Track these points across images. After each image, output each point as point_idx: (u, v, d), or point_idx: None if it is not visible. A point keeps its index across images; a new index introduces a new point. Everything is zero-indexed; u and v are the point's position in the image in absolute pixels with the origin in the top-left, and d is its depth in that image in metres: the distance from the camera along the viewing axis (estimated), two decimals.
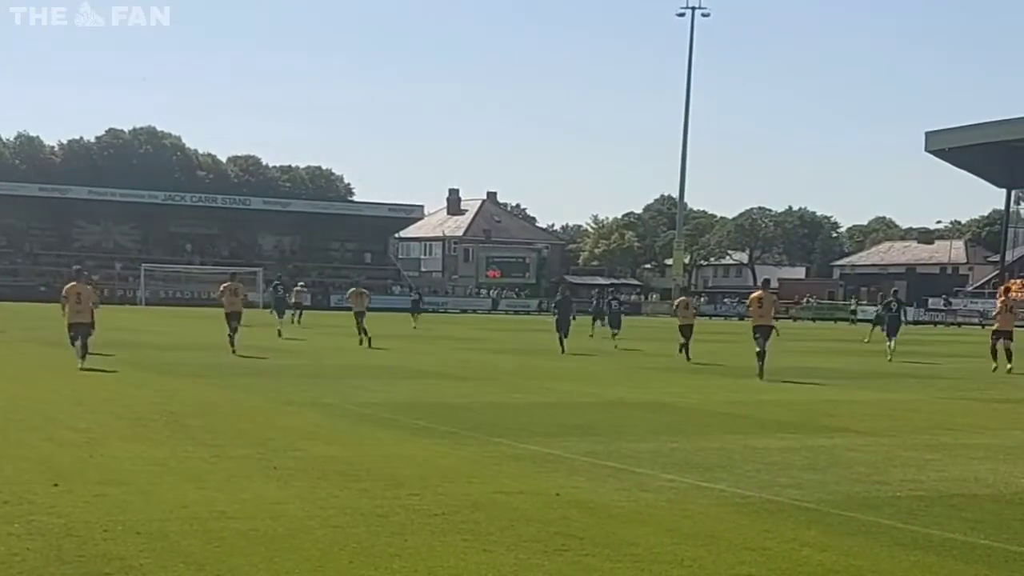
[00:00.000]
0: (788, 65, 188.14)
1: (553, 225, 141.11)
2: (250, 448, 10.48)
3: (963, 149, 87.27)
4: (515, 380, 20.11)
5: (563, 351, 29.25)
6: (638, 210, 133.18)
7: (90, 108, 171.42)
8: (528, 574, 6.22)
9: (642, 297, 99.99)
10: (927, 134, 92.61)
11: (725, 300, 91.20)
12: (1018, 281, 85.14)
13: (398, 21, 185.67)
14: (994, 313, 26.99)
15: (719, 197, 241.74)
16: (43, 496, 7.87)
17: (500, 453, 10.66)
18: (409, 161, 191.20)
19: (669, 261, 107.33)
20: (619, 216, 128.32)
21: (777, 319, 23.83)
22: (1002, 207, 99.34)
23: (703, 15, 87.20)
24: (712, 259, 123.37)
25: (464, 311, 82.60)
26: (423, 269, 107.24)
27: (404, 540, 6.86)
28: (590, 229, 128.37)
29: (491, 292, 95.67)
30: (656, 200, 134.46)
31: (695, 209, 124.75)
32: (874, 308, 46.68)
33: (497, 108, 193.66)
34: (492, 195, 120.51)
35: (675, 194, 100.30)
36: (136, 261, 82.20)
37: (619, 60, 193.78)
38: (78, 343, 19.82)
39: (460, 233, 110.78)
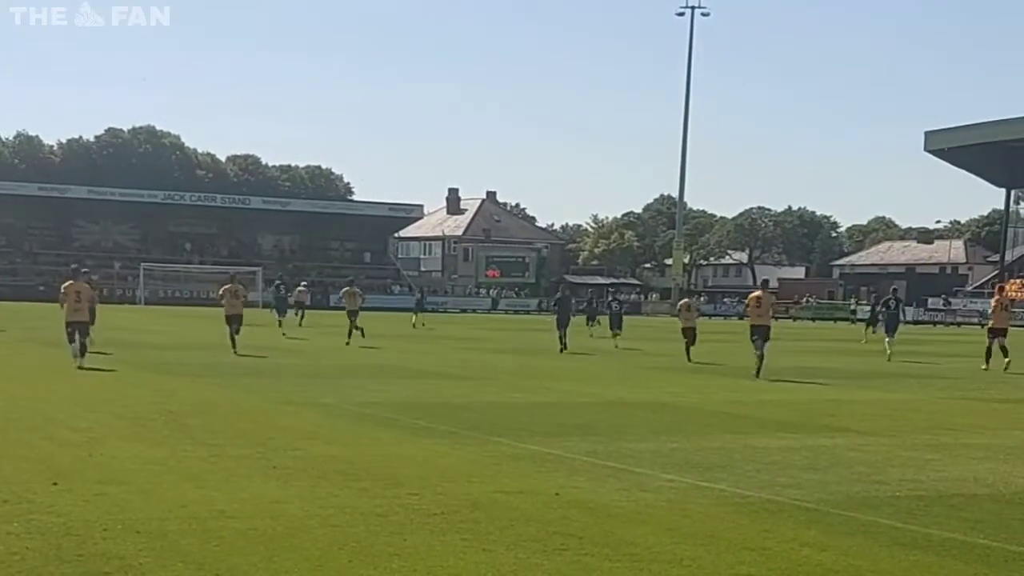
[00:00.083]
0: (788, 65, 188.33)
1: (553, 225, 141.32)
2: (249, 447, 10.48)
3: (962, 149, 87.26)
4: (515, 380, 20.11)
5: (562, 349, 29.46)
6: (638, 210, 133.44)
7: (89, 108, 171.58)
8: (527, 573, 6.21)
9: (642, 297, 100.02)
10: (926, 134, 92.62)
11: (725, 300, 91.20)
12: (1017, 281, 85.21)
13: (398, 21, 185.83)
14: (990, 311, 27.06)
15: (719, 197, 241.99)
16: (42, 495, 7.87)
17: (500, 453, 10.66)
18: (409, 161, 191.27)
19: (669, 261, 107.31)
20: (619, 216, 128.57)
21: (777, 319, 23.86)
22: (1002, 207, 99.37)
23: (703, 15, 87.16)
24: (712, 259, 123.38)
25: (464, 311, 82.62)
26: (423, 269, 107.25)
27: (403, 539, 6.86)
28: (590, 229, 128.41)
29: (491, 292, 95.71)
30: (656, 200, 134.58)
31: (695, 209, 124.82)
32: (868, 307, 46.77)
33: (497, 108, 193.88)
34: (492, 195, 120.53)
35: (675, 194, 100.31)
36: (135, 260, 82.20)
37: (619, 60, 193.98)
38: (75, 341, 19.90)
39: (460, 233, 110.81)
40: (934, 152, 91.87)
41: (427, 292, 59.39)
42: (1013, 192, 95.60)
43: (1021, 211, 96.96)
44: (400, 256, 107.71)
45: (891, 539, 7.28)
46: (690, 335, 27.02)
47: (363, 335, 30.70)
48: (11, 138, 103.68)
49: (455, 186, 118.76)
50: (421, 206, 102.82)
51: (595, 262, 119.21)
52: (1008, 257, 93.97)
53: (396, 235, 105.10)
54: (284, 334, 34.17)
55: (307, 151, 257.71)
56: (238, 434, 11.44)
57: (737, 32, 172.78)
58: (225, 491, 8.23)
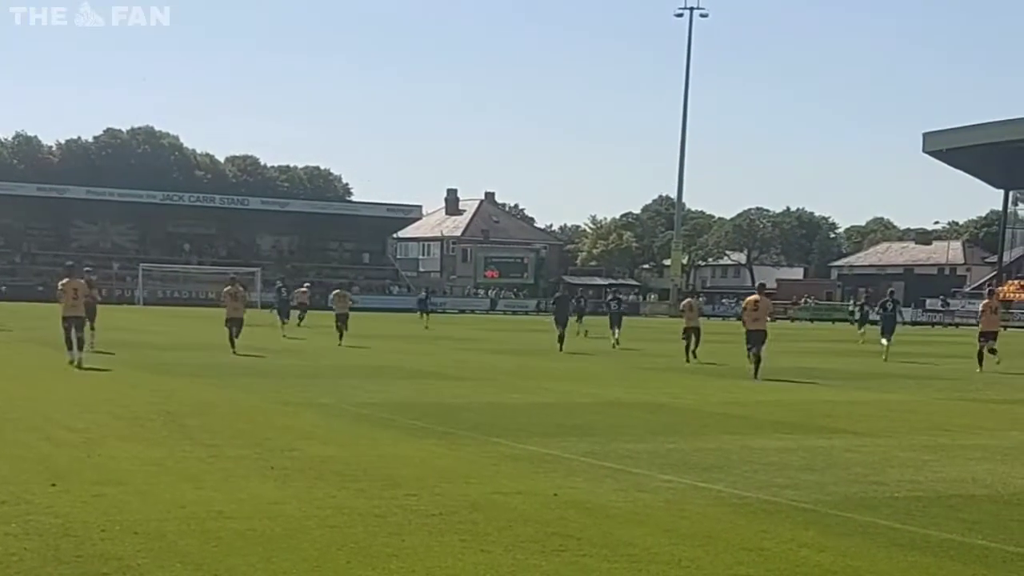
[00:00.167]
0: (786, 65, 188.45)
1: (551, 225, 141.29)
2: (248, 448, 10.47)
3: (961, 150, 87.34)
4: (513, 380, 20.11)
5: (561, 348, 29.58)
6: (636, 210, 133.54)
7: (88, 108, 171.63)
8: (526, 574, 6.21)
9: (640, 297, 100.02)
10: (925, 135, 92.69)
11: (723, 300, 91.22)
12: (1015, 282, 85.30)
13: (397, 21, 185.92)
14: (979, 315, 27.17)
15: (717, 197, 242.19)
16: (40, 496, 7.87)
17: (498, 453, 10.66)
18: (408, 161, 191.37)
19: (667, 261, 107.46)
20: (617, 216, 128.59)
21: (775, 320, 23.88)
22: (1000, 208, 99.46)
23: (701, 15, 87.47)
24: (710, 259, 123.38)
25: (462, 311, 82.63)
26: (421, 269, 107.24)
27: (401, 540, 6.85)
28: (588, 229, 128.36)
29: (489, 292, 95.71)
30: (654, 200, 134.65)
31: (693, 209, 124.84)
32: (857, 307, 46.91)
33: (496, 108, 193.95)
34: (490, 195, 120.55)
35: (673, 194, 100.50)
36: (134, 261, 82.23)
37: (618, 60, 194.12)
38: (72, 337, 20.12)
39: (458, 233, 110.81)
40: (932, 153, 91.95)
41: (427, 292, 59.06)
42: (1011, 193, 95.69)
43: (1019, 212, 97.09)
44: (399, 257, 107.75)
45: (889, 540, 7.28)
46: (693, 334, 27.10)
47: (338, 332, 30.96)
48: (10, 138, 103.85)
49: (454, 187, 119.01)
50: (420, 207, 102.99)
51: (593, 263, 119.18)
52: (1006, 258, 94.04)
53: (395, 236, 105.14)
54: (284, 335, 34.18)
55: (306, 152, 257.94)
56: (236, 434, 11.43)
57: (736, 33, 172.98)
58: (223, 492, 8.23)
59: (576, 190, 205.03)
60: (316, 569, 6.17)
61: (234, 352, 24.45)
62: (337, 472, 9.23)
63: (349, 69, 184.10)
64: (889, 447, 11.96)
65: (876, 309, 33.67)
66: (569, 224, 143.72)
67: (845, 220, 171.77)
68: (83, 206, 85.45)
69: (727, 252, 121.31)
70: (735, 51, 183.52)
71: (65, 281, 20.88)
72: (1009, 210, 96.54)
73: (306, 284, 50.12)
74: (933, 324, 75.53)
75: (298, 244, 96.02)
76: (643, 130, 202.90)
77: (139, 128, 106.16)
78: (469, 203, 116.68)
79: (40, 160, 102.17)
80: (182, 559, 6.26)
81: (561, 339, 30.41)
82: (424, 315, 50.18)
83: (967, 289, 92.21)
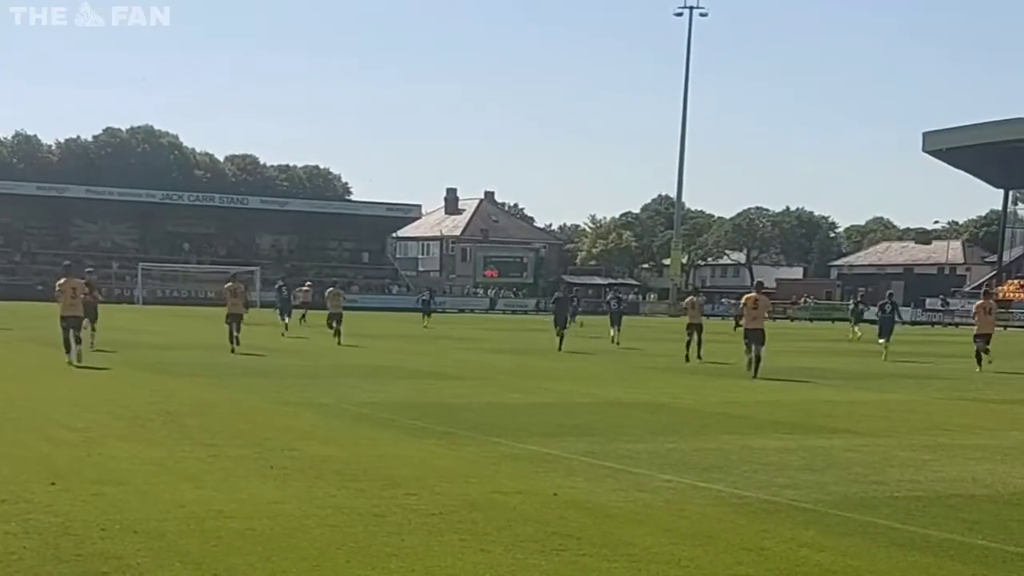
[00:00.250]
0: (786, 65, 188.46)
1: (551, 225, 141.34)
2: (247, 448, 10.47)
3: (961, 149, 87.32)
4: (513, 380, 20.10)
5: (560, 347, 29.63)
6: (636, 210, 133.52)
7: (88, 107, 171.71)
8: (525, 574, 6.21)
9: (640, 297, 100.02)
10: (925, 134, 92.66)
11: (723, 300, 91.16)
12: (1016, 281, 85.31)
13: (397, 21, 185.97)
14: (973, 316, 27.24)
15: (717, 197, 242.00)
16: (40, 495, 7.87)
17: (498, 453, 10.65)
18: (407, 161, 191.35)
19: (667, 261, 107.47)
20: (617, 216, 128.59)
21: (775, 319, 23.93)
22: (999, 207, 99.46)
23: (701, 15, 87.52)
24: (710, 259, 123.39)
25: (462, 311, 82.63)
26: (420, 269, 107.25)
27: (401, 540, 6.85)
28: (588, 229, 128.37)
29: (489, 292, 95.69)
30: (654, 200, 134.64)
31: (693, 209, 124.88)
32: (852, 304, 46.96)
33: (495, 108, 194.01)
34: (490, 195, 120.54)
35: (673, 194, 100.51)
36: (133, 260, 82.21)
37: (617, 60, 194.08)
38: (70, 337, 20.17)
39: (458, 233, 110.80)
40: (932, 153, 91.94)
41: (431, 292, 58.76)
42: (1011, 193, 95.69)
43: (1019, 212, 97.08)
44: (398, 256, 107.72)
45: (889, 540, 7.28)
46: (696, 331, 27.21)
47: (332, 331, 31.16)
48: (10, 137, 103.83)
49: (453, 186, 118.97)
50: (419, 206, 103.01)
51: (593, 262, 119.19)
52: (1006, 258, 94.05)
53: (394, 235, 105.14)
54: (283, 334, 34.22)
55: (305, 151, 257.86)
56: (236, 434, 11.43)
57: (735, 32, 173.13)
58: (223, 491, 8.23)
59: (576, 190, 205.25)
60: (316, 568, 6.17)
61: (233, 351, 24.60)
62: (337, 472, 9.23)
63: (349, 69, 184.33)
64: (889, 447, 11.96)
65: (876, 312, 33.59)
66: (568, 224, 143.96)
67: (845, 220, 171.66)
68: (83, 205, 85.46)
69: (727, 252, 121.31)
70: (735, 51, 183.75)
71: (63, 281, 20.91)
72: (1009, 210, 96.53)
73: (308, 283, 50.12)
74: (933, 324, 75.52)
75: (297, 243, 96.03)
76: (643, 130, 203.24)
77: (139, 127, 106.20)
78: (468, 202, 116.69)
79: (40, 159, 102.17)
80: (182, 558, 6.26)
81: (560, 339, 30.47)
82: (426, 315, 50.18)
83: (967, 289, 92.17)
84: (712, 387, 19.62)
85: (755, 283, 27.03)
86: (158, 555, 6.32)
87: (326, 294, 34.53)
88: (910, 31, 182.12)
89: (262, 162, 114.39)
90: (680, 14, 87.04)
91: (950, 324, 74.58)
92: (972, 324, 28.97)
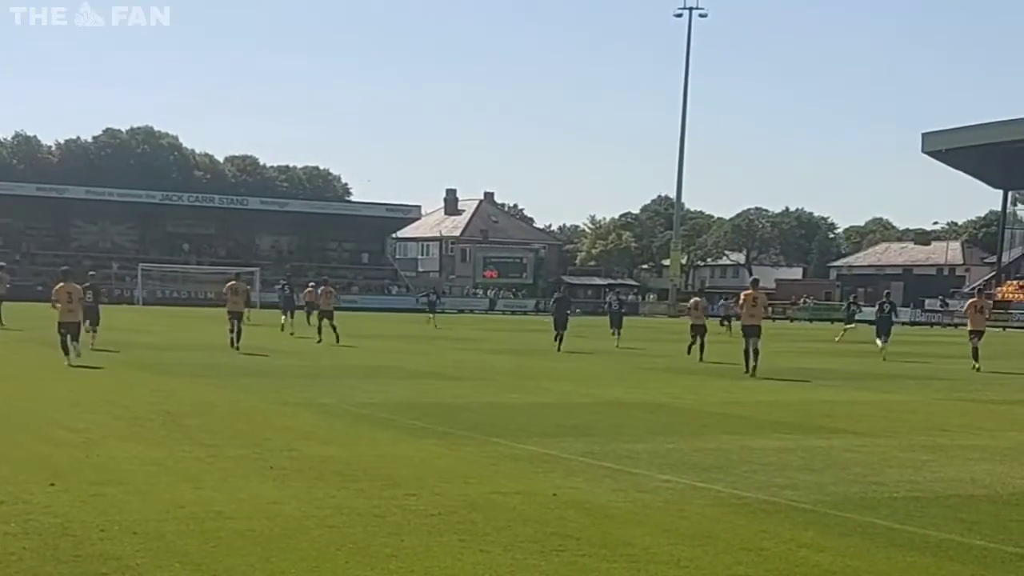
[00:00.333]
0: (785, 65, 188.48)
1: (550, 225, 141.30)
2: (247, 448, 10.48)
3: (960, 150, 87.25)
4: (512, 380, 20.11)
5: (559, 347, 29.67)
6: (635, 210, 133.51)
7: (88, 108, 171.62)
8: (525, 574, 6.22)
9: (639, 297, 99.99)
10: (924, 135, 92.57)
11: (723, 300, 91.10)
12: (1015, 282, 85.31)
13: (397, 21, 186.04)
14: (964, 312, 27.59)
15: (716, 198, 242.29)
16: (40, 496, 7.87)
17: (497, 453, 10.66)
18: (407, 161, 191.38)
19: (666, 262, 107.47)
20: (616, 216, 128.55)
21: (774, 320, 24.02)
22: (999, 208, 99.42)
23: (701, 15, 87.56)
24: (709, 260, 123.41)
25: (461, 311, 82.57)
26: (420, 269, 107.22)
27: (400, 540, 6.86)
28: (587, 229, 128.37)
29: (488, 292, 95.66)
30: (653, 200, 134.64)
31: (692, 210, 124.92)
32: (846, 304, 47.04)
33: (495, 108, 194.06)
34: (489, 195, 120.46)
35: (672, 194, 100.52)
36: (133, 261, 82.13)
37: (617, 60, 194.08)
38: (68, 343, 20.17)
39: (457, 233, 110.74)
40: (932, 153, 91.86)
41: (435, 292, 58.38)
42: (1010, 194, 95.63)
43: (1018, 213, 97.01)
44: (398, 257, 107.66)
45: (888, 540, 7.28)
46: (699, 331, 27.32)
47: (317, 328, 31.22)
48: (9, 138, 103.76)
49: (453, 187, 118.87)
50: (419, 207, 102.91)
51: (592, 263, 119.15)
52: (1005, 259, 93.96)
53: (394, 236, 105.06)
54: (292, 333, 34.54)
55: (305, 152, 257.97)
56: (236, 434, 11.44)
57: (735, 33, 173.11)
58: (222, 492, 8.23)
59: (575, 190, 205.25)
60: (315, 569, 6.17)
61: (235, 349, 24.94)
62: (336, 472, 9.23)
63: (349, 69, 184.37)
64: (888, 447, 11.96)
65: (875, 311, 33.60)
66: (568, 224, 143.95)
67: (844, 220, 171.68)
68: (82, 206, 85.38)
69: (726, 252, 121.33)
70: (735, 51, 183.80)
71: (60, 286, 20.81)
72: (1008, 210, 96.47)
73: (311, 284, 50.35)
74: (932, 324, 75.51)
75: (297, 244, 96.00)
76: (643, 130, 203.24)
77: (138, 128, 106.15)
78: (468, 203, 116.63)
79: (40, 160, 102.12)
80: (181, 559, 6.26)
81: (560, 339, 30.49)
82: (432, 316, 50.21)
83: (966, 289, 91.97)
84: (712, 387, 19.63)
85: (752, 280, 27.14)
86: (157, 556, 6.32)
87: (319, 292, 34.64)
88: (910, 31, 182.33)
89: (262, 163, 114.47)
90: (680, 15, 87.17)
91: (949, 325, 74.50)
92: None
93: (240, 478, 8.85)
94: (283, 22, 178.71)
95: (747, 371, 21.80)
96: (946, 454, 11.55)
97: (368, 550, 6.59)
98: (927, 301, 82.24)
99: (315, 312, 42.58)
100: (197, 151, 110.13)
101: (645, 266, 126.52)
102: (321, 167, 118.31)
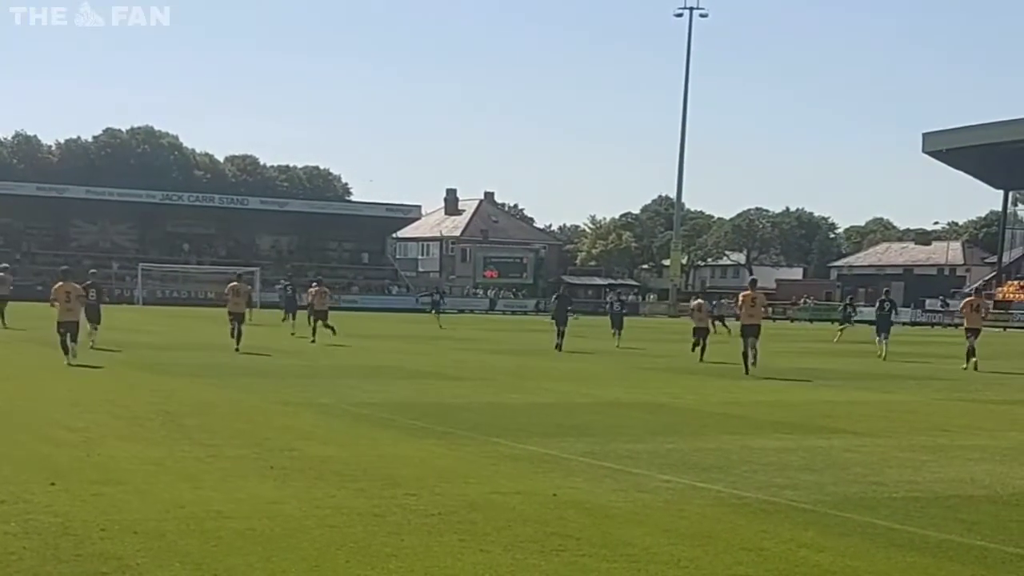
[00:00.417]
0: (786, 66, 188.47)
1: (551, 225, 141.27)
2: (247, 448, 10.48)
3: (961, 150, 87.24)
4: (512, 380, 20.11)
5: (560, 346, 29.71)
6: (636, 211, 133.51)
7: (88, 108, 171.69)
8: (525, 574, 6.22)
9: (639, 298, 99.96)
10: (925, 135, 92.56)
11: (722, 301, 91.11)
12: (1015, 282, 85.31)
13: (397, 21, 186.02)
14: (960, 310, 27.72)
15: (716, 198, 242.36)
16: (40, 495, 7.87)
17: (497, 453, 10.66)
18: (407, 161, 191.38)
19: (666, 262, 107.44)
20: (617, 216, 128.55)
21: (776, 319, 24.07)
22: (999, 208, 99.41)
23: (701, 15, 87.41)
24: (709, 260, 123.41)
25: (461, 311, 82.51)
26: (420, 269, 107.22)
27: (401, 540, 6.86)
28: (588, 229, 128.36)
29: (488, 292, 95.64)
30: (654, 201, 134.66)
31: (692, 210, 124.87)
32: (843, 306, 47.00)
33: (495, 108, 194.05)
34: (489, 195, 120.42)
35: (673, 195, 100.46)
36: (133, 261, 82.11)
37: (617, 60, 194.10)
38: (67, 343, 20.22)
39: (457, 233, 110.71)
40: (932, 153, 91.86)
41: (438, 292, 58.09)
42: (1011, 194, 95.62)
43: (1019, 213, 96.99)
44: (398, 257, 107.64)
45: (888, 540, 7.29)
46: (701, 334, 27.35)
47: (334, 332, 31.42)
48: (9, 138, 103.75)
49: (453, 187, 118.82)
50: (419, 207, 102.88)
51: (593, 263, 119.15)
52: (1005, 259, 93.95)
53: (394, 236, 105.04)
54: (292, 333, 34.53)
55: (305, 151, 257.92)
56: (235, 434, 11.44)
57: (735, 33, 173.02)
58: (222, 491, 8.23)
59: (576, 190, 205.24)
60: (315, 569, 6.18)
61: (237, 348, 24.91)
62: (336, 472, 9.23)
63: (349, 69, 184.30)
64: (888, 447, 11.97)
65: (875, 310, 33.60)
66: (568, 224, 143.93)
67: (845, 220, 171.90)
68: (82, 206, 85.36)
69: (726, 252, 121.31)
70: (735, 51, 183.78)
71: (59, 285, 20.88)
72: (1009, 210, 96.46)
73: (314, 284, 50.44)
74: (932, 324, 75.52)
75: (297, 244, 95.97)
76: (643, 130, 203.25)
77: (138, 128, 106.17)
78: (468, 203, 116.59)
79: (40, 160, 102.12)
80: (181, 558, 6.26)
81: (561, 336, 30.55)
82: (437, 315, 50.21)
83: (966, 290, 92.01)
84: (712, 387, 19.63)
85: (751, 280, 27.19)
86: (158, 555, 6.32)
87: (313, 292, 34.67)
88: (910, 32, 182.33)
89: (262, 162, 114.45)
90: (680, 15, 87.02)
91: (949, 325, 74.48)
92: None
93: (240, 478, 8.85)
94: (283, 22, 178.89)
95: (746, 373, 21.87)
96: (946, 454, 11.56)
97: (368, 550, 6.59)
98: (927, 301, 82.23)
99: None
100: (197, 151, 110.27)
101: (645, 266, 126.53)
102: (321, 167, 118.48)
